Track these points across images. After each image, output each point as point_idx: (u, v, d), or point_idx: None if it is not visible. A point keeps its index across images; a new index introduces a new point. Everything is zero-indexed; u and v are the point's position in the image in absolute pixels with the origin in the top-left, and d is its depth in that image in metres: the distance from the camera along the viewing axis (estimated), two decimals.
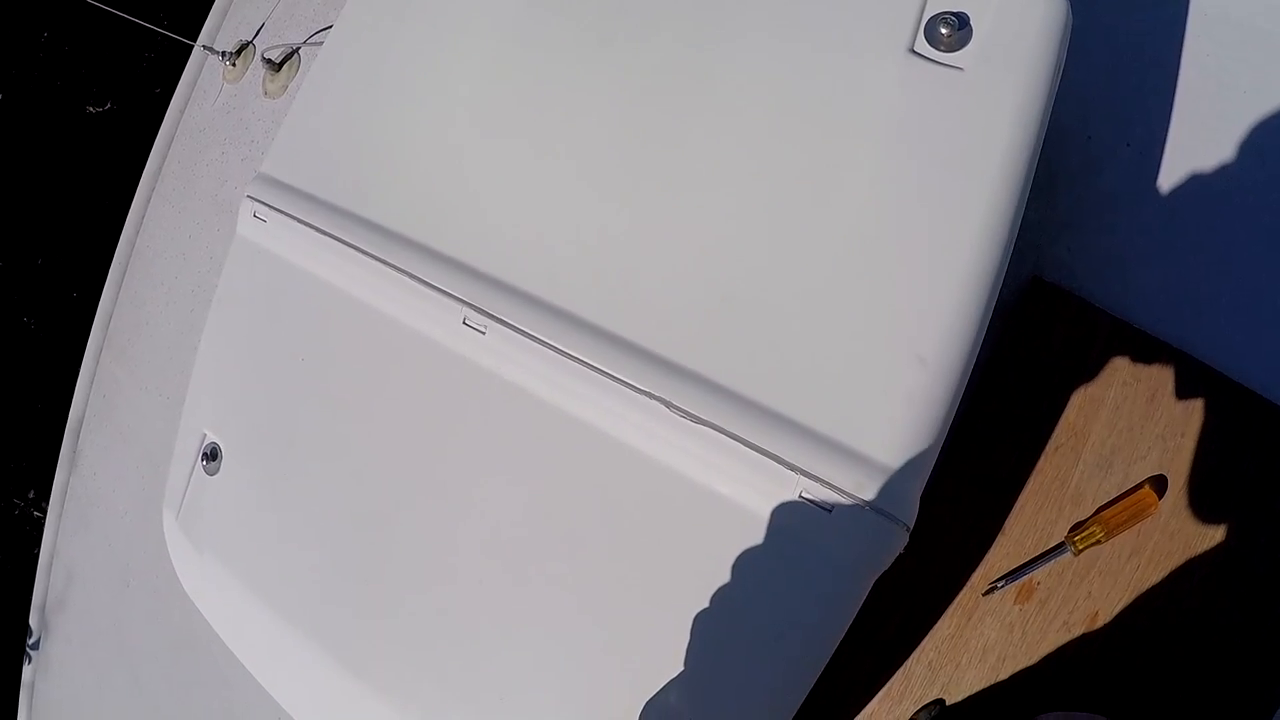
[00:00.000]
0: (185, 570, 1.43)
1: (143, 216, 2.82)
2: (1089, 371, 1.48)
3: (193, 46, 2.72)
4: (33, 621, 2.91)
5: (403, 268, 1.21)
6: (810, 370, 1.04)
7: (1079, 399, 1.50)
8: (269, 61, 2.37)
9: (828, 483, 1.00)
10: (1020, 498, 1.50)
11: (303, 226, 1.31)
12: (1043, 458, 1.51)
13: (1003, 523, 1.50)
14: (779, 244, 1.10)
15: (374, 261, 1.24)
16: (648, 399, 1.06)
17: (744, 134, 1.15)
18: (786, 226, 1.10)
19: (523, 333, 1.13)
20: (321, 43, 2.32)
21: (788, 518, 1.02)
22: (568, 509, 1.10)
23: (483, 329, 1.14)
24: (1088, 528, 1.45)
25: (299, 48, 2.36)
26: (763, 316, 1.07)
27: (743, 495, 1.03)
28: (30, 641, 2.90)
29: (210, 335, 1.40)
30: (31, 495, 4.90)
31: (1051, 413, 1.51)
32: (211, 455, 1.35)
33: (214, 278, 2.43)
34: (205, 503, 1.36)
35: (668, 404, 1.05)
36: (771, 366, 1.05)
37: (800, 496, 1.01)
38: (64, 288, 4.78)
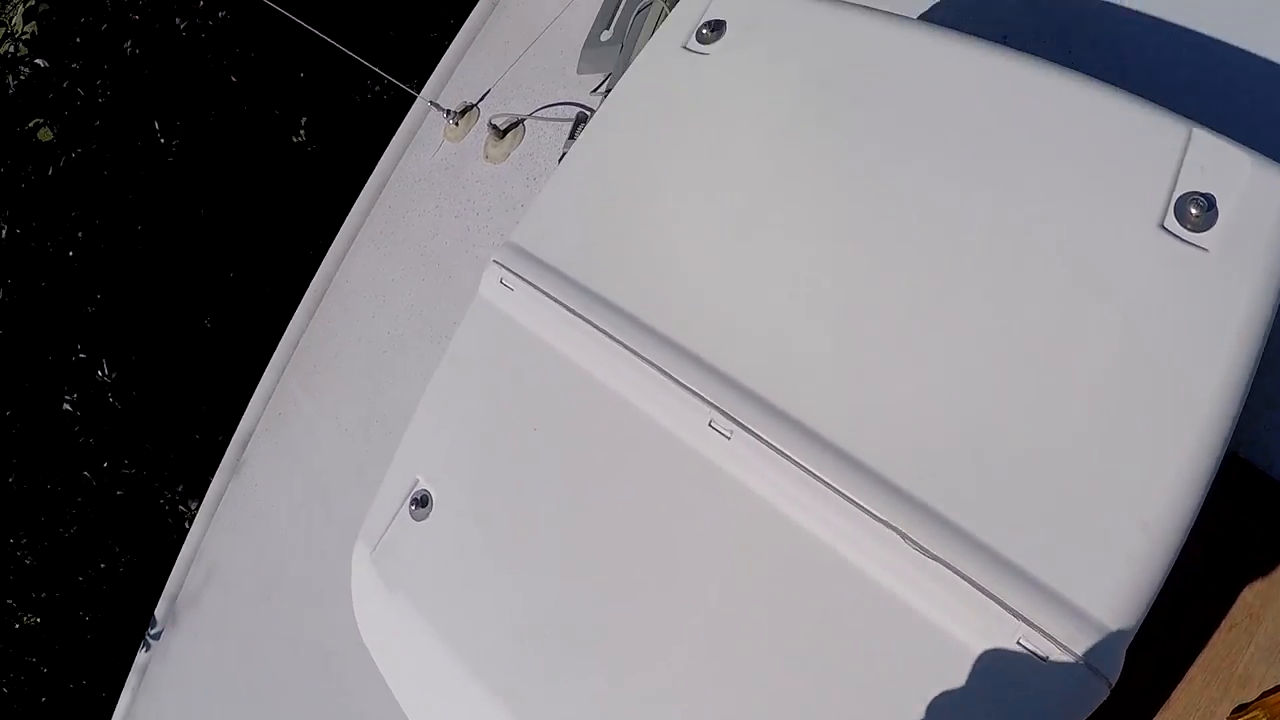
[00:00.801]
0: (365, 603, 1.49)
1: (344, 252, 2.98)
2: (1273, 556, 1.45)
3: (415, 97, 2.88)
4: (159, 612, 3.03)
5: (653, 360, 1.26)
6: (1040, 519, 1.06)
7: (1259, 582, 1.46)
8: (494, 127, 2.51)
9: (1047, 633, 1.01)
10: (1189, 671, 1.46)
11: (550, 301, 1.38)
12: (1215, 633, 1.47)
13: (1169, 694, 1.46)
14: (1018, 390, 1.12)
15: (622, 349, 1.29)
16: (885, 528, 1.08)
17: (993, 274, 1.18)
18: (1026, 374, 1.12)
19: (769, 445, 1.16)
20: (548, 118, 2.45)
21: (1000, 659, 1.02)
22: (785, 617, 1.12)
23: (728, 434, 1.18)
24: (1250, 711, 1.40)
25: (525, 119, 2.50)
26: (999, 459, 1.09)
27: (959, 630, 1.04)
28: (152, 631, 3.03)
29: (438, 386, 1.48)
30: (180, 490, 5.11)
31: (1230, 590, 1.47)
32: (421, 502, 1.41)
33: (412, 324, 2.54)
34: (406, 544, 1.42)
35: (905, 536, 1.07)
36: (1004, 510, 1.06)
37: (1018, 643, 1.01)
38: (252, 303, 5.01)
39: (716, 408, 1.21)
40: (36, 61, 4.10)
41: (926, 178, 1.27)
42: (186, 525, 4.91)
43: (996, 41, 1.35)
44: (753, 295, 1.30)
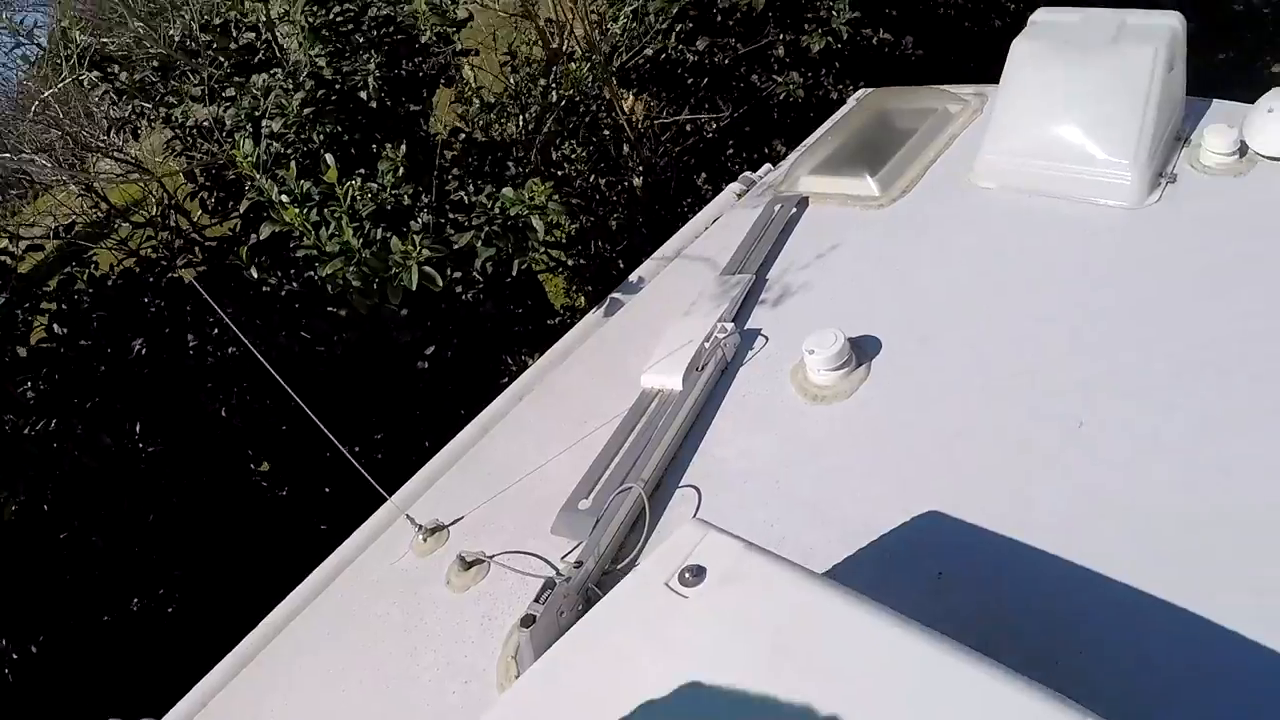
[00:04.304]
0: None
1: (285, 621, 2.97)
2: None
3: (386, 498, 2.98)
4: None
5: None
6: None
7: None
8: (461, 559, 2.62)
9: None
10: None
11: None
12: None
13: None
14: None
15: None
16: None
17: None
18: None
19: None
20: (512, 566, 2.57)
21: None
22: None
23: None
24: None
25: (491, 559, 2.62)
26: None
27: None
28: None
29: None
30: None
31: None
32: None
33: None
34: None
35: None
36: None
37: None
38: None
39: None
40: None
41: None
42: None
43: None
44: None
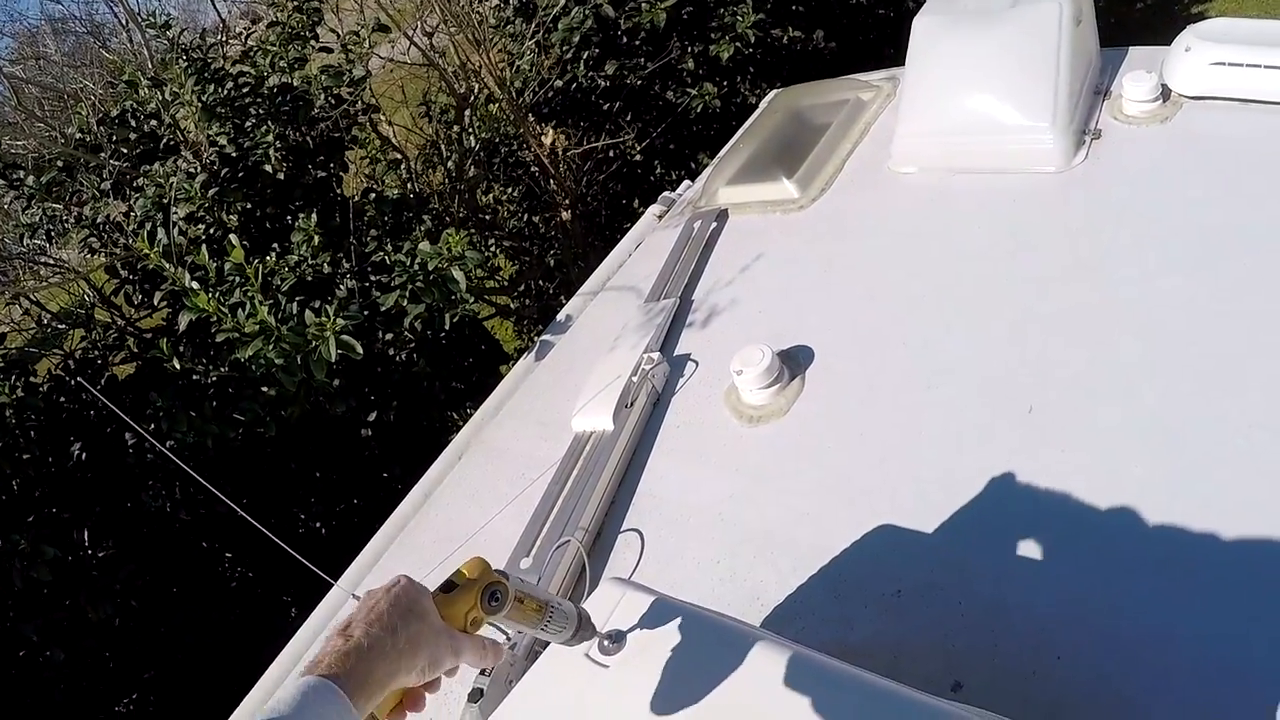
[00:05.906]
0: None
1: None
2: None
3: (332, 585, 2.84)
4: None
5: None
6: None
7: None
8: None
9: None
10: None
11: None
12: None
13: None
14: None
15: None
16: None
17: None
18: None
19: None
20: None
21: None
22: None
23: None
24: None
25: None
26: None
27: None
28: None
29: None
30: None
31: None
32: None
33: None
34: None
35: None
36: None
37: None
38: None
39: None
40: None
41: None
42: None
43: None
44: None
